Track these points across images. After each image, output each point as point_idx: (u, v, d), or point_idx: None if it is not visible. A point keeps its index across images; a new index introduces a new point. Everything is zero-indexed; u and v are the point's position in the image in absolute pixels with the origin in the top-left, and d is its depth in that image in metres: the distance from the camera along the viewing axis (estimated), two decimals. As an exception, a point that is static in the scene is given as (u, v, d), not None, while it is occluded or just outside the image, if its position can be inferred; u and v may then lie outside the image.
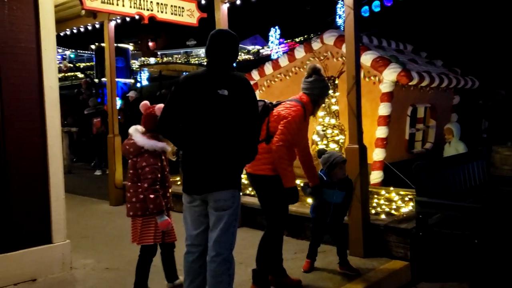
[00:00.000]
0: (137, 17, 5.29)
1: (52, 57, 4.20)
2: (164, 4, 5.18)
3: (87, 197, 8.04)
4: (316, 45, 7.24)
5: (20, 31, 4.02)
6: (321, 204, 4.14)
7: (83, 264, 4.58)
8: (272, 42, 43.28)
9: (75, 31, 7.82)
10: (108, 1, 4.70)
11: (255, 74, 8.33)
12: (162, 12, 5.16)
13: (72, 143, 12.33)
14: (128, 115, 11.56)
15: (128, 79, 26.80)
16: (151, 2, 5.08)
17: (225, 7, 5.67)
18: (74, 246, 4.90)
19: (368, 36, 7.85)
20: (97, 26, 7.41)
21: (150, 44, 46.77)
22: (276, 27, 43.11)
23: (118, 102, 17.20)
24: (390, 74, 6.48)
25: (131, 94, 12.33)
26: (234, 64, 3.20)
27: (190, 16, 5.43)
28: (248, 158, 3.11)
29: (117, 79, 26.43)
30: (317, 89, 3.84)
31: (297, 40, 39.52)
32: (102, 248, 5.08)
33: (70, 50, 54.84)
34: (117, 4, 4.78)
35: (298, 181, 5.65)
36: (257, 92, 8.52)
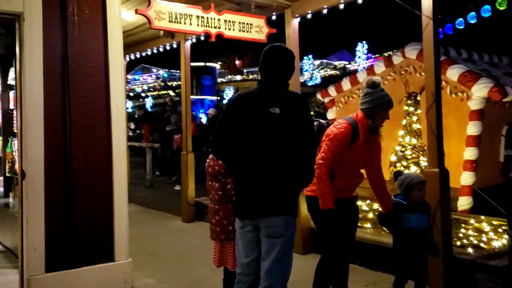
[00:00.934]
0: (211, 34, 5.24)
1: (119, 76, 4.24)
2: (232, 21, 5.10)
3: (162, 212, 8.16)
4: (397, 59, 6.79)
5: (89, 51, 4.11)
6: (404, 233, 3.71)
7: (145, 283, 4.53)
8: (359, 57, 42.46)
9: (161, 49, 8.03)
10: (176, 20, 4.70)
11: (331, 90, 8.00)
12: (229, 29, 5.08)
13: (156, 158, 12.76)
14: (205, 132, 11.74)
15: (215, 96, 27.54)
16: (219, 19, 5.02)
17: (295, 21, 5.46)
18: (140, 263, 4.91)
19: (456, 49, 7.22)
20: (174, 46, 7.57)
21: (237, 62, 47.95)
22: (364, 41, 42.28)
23: (204, 119, 17.68)
24: (480, 90, 5.86)
25: (210, 111, 12.57)
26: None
27: (259, 32, 5.29)
28: (305, 182, 2.86)
29: (204, 97, 27.19)
30: (368, 102, 3.48)
31: (385, 54, 38.37)
32: (166, 267, 5.02)
33: (164, 69, 57.95)
34: (185, 23, 4.77)
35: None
36: (333, 109, 8.18)
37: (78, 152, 4.06)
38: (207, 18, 4.93)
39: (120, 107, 4.25)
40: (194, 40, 7.06)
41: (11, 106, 5.97)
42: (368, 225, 5.30)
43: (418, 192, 3.65)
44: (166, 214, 7.96)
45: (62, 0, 3.97)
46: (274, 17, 5.71)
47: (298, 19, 5.48)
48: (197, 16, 4.85)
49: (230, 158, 2.92)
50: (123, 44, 4.30)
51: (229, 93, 30.64)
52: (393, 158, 5.59)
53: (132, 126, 18.41)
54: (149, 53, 8.24)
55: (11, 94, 6.00)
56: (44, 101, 3.88)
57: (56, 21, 3.95)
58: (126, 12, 6.28)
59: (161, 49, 7.88)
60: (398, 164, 5.49)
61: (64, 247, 3.99)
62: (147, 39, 7.86)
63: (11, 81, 5.99)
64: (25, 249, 3.88)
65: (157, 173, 13.08)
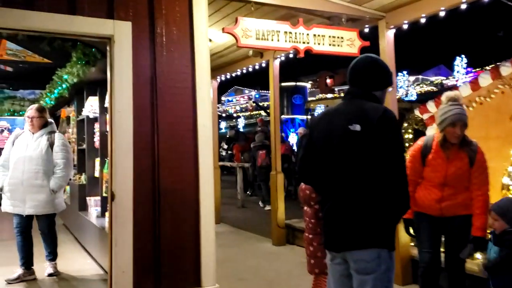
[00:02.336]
0: (300, 50, 5.05)
1: (206, 96, 4.17)
2: (322, 36, 4.85)
3: (252, 233, 8.01)
4: (505, 69, 6.06)
5: (176, 71, 4.09)
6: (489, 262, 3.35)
7: (232, 311, 4.35)
8: (458, 72, 40.05)
9: (250, 69, 8.02)
10: (263, 37, 4.56)
11: (431, 106, 7.34)
12: (319, 44, 4.83)
13: (246, 178, 12.78)
14: (293, 152, 11.63)
15: (305, 115, 27.37)
16: (308, 34, 4.80)
17: (390, 33, 5.09)
18: (228, 289, 4.74)
19: None
20: (263, 65, 7.50)
21: (328, 81, 47.46)
22: (462, 55, 39.87)
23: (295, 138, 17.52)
24: None
25: (300, 130, 12.44)
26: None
27: (351, 46, 4.98)
28: (399, 209, 2.45)
29: (295, 116, 27.12)
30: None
31: (487, 68, 35.77)
32: (254, 294, 4.82)
33: (255, 90, 59.13)
34: (272, 40, 4.62)
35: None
36: (433, 126, 7.53)
37: (165, 174, 4.02)
38: (295, 33, 4.74)
39: (207, 127, 4.17)
40: (283, 58, 6.92)
41: (108, 128, 6.20)
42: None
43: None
44: (256, 236, 7.80)
45: (151, 22, 4.00)
46: (367, 29, 5.39)
47: (394, 31, 5.10)
48: (285, 32, 4.68)
49: (316, 182, 2.66)
50: (214, 66, 4.25)
51: (320, 111, 30.25)
52: (506, 180, 4.95)
53: (225, 146, 18.77)
54: (239, 73, 8.25)
55: (108, 116, 6.24)
56: (133, 123, 3.91)
57: (145, 42, 3.99)
58: (215, 33, 6.31)
59: (250, 69, 7.85)
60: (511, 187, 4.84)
61: (151, 271, 3.94)
62: (237, 60, 7.88)
63: (107, 104, 6.23)
64: (113, 272, 3.88)
65: (248, 192, 13.09)
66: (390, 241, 2.45)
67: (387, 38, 5.06)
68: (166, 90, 4.05)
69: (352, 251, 2.42)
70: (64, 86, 7.28)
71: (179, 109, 4.10)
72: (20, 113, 13.22)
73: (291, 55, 6.51)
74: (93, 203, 6.86)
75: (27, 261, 5.30)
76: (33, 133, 5.30)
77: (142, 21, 3.98)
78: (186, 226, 4.09)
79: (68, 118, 9.18)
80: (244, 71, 8.03)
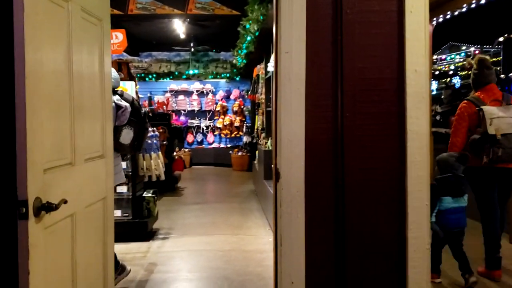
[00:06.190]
0: None
1: (420, 24, 2.62)
2: None
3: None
4: None
5: (371, -14, 2.64)
6: None
7: None
8: None
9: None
10: None
11: None
12: None
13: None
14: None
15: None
16: None
17: None
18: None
19: None
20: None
21: None
22: None
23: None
24: None
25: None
26: None
27: None
28: None
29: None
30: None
31: None
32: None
33: (475, 46, 52.12)
34: None
35: None
36: None
37: (352, 146, 2.66)
38: None
39: (421, 74, 2.64)
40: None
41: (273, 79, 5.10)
42: None
43: None
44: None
45: None
46: None
47: None
48: None
49: None
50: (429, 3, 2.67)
51: None
52: None
53: (439, 109, 16.32)
54: (464, 10, 6.19)
55: (273, 61, 5.15)
56: (305, 69, 2.63)
57: None
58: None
59: (483, 1, 5.77)
60: None
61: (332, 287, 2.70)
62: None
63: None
64: (279, 280, 2.76)
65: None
66: None
67: None
68: (355, 18, 2.63)
69: None
70: (248, 38, 6.47)
71: (376, 46, 2.65)
72: (222, 75, 13.32)
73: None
74: (279, 173, 5.97)
75: None
76: None
77: None
78: (381, 224, 2.70)
79: (258, 77, 8.47)
80: (473, 5, 5.95)
